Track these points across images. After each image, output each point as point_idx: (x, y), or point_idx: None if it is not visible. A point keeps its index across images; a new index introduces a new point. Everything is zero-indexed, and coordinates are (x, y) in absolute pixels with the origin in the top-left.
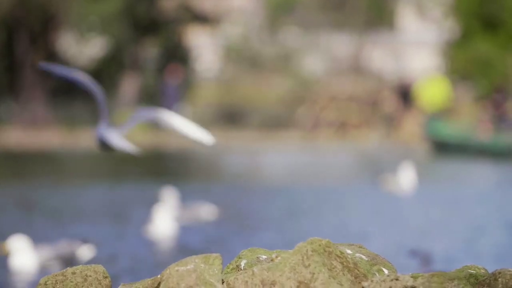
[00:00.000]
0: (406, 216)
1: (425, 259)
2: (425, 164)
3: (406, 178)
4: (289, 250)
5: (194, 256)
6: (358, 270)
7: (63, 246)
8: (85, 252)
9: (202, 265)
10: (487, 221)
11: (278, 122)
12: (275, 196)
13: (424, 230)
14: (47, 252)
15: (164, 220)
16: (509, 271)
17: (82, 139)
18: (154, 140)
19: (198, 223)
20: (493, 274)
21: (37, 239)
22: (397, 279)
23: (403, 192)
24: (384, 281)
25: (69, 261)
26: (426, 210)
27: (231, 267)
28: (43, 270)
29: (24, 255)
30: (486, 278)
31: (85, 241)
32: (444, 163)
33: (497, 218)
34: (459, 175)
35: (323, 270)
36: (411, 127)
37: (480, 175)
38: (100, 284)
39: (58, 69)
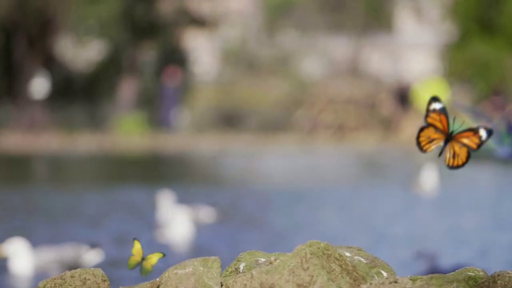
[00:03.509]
0: (407, 217)
1: (430, 260)
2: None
3: (429, 180)
4: (288, 253)
5: (192, 259)
6: (357, 273)
7: (67, 250)
8: (92, 256)
9: (201, 268)
10: (490, 222)
11: (276, 124)
12: (274, 199)
13: (426, 231)
14: (47, 255)
15: (182, 222)
16: (508, 273)
17: (81, 142)
18: (152, 143)
19: (197, 226)
20: (492, 276)
21: (37, 242)
22: (396, 282)
23: (426, 194)
24: (383, 283)
25: (74, 265)
26: (426, 212)
27: (229, 270)
28: (42, 274)
29: (22, 258)
30: (485, 281)
31: (93, 245)
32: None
33: (499, 219)
34: (464, 178)
35: (322, 273)
36: (409, 130)
37: (484, 177)
38: (99, 287)
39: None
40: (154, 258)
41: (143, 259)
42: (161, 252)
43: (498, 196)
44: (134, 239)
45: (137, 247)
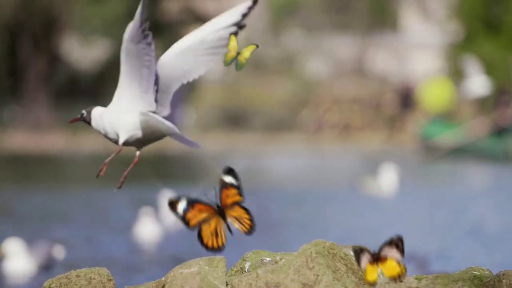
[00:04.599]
0: (408, 218)
1: (422, 262)
2: (422, 166)
3: (387, 180)
4: (293, 252)
5: (198, 259)
6: (362, 272)
7: (43, 248)
8: (59, 253)
9: (206, 267)
10: (487, 222)
11: (281, 124)
12: (279, 199)
13: (424, 232)
14: (42, 255)
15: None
16: None
17: (85, 142)
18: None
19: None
20: (498, 275)
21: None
22: (401, 281)
23: (383, 194)
24: (388, 283)
25: (48, 263)
26: (425, 212)
27: (235, 269)
28: (39, 273)
29: (19, 258)
30: (491, 280)
31: (56, 241)
32: (441, 166)
33: (497, 219)
34: (451, 177)
35: (328, 272)
36: (414, 130)
37: (474, 177)
38: (104, 287)
39: None
40: (247, 52)
41: (238, 53)
42: (254, 44)
43: (477, 195)
44: (231, 34)
45: (233, 43)
